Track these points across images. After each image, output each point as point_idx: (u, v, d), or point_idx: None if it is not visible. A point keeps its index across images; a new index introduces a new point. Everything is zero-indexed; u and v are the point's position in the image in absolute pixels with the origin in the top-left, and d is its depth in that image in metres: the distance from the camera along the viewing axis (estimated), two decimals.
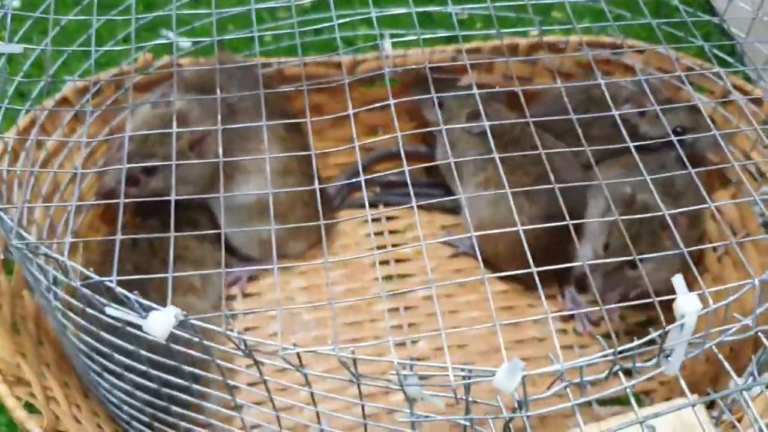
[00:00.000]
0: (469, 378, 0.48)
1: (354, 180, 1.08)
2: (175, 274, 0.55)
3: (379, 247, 1.07)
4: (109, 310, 0.50)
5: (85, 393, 0.80)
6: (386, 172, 0.93)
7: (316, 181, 0.73)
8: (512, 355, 0.95)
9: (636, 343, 0.51)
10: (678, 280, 0.51)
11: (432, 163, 1.01)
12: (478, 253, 0.74)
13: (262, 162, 0.94)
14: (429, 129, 1.03)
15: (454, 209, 1.09)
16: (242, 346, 0.51)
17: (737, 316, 0.55)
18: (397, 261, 1.06)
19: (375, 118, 1.12)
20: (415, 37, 1.00)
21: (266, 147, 0.78)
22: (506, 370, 0.47)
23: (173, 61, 0.94)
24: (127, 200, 0.66)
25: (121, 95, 0.94)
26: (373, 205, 1.11)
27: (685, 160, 0.76)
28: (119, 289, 0.51)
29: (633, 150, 0.77)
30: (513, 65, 1.06)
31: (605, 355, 0.51)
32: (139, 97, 0.95)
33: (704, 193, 0.71)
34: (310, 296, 1.02)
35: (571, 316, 1.02)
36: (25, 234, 0.56)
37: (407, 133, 0.82)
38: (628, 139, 0.78)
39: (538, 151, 0.77)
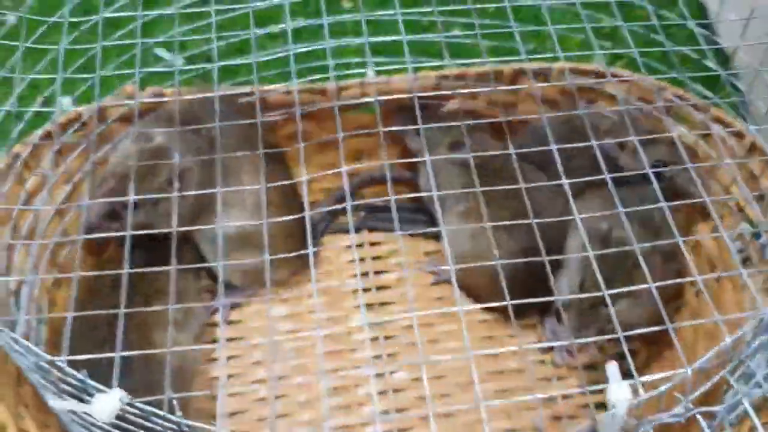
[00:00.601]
0: None
1: (338, 206, 1.10)
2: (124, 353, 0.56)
3: (362, 274, 1.08)
4: (51, 402, 0.51)
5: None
6: (372, 199, 0.94)
7: (307, 207, 0.74)
8: (490, 387, 0.98)
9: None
10: (611, 369, 0.52)
11: (414, 194, 1.02)
12: (455, 284, 0.76)
13: (243, 196, 0.96)
14: (411, 160, 1.04)
15: (438, 236, 1.10)
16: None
17: (678, 395, 0.56)
18: (379, 288, 1.07)
19: (359, 144, 1.12)
20: (398, 65, 1.02)
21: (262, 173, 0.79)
22: None
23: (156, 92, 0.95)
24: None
25: (104, 129, 0.95)
26: (358, 230, 1.12)
27: (660, 194, 0.77)
28: (69, 371, 0.52)
29: (610, 184, 0.78)
30: (497, 93, 1.06)
31: None
32: (122, 129, 0.96)
33: (674, 230, 0.72)
34: (293, 323, 1.03)
35: (551, 348, 1.02)
36: None
37: (393, 161, 0.84)
38: (605, 171, 0.79)
39: (517, 186, 0.78)
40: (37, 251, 0.89)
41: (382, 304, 1.05)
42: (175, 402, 0.53)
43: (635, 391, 0.53)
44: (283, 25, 0.93)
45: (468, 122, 0.96)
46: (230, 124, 0.88)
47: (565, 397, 0.99)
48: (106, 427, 0.62)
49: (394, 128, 0.98)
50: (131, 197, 0.83)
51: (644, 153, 0.98)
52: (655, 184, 0.81)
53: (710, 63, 0.95)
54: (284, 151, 1.04)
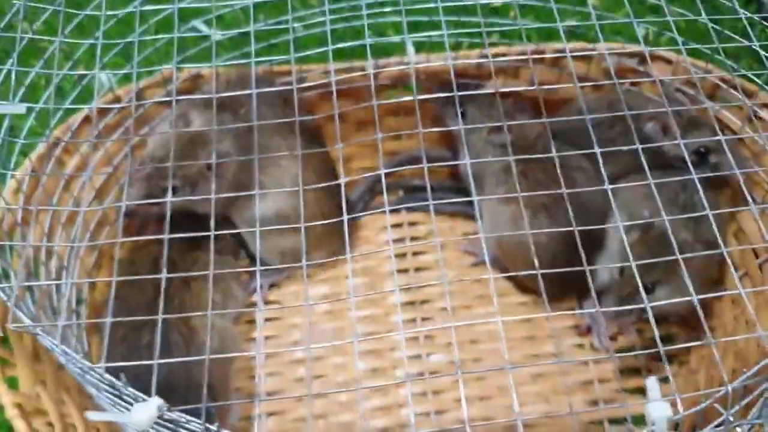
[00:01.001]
0: None
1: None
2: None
3: (400, 255, 1.08)
4: (89, 415, 0.52)
5: None
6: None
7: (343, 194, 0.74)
8: (525, 371, 0.98)
9: None
10: (651, 384, 0.51)
11: (446, 164, 1.01)
12: (488, 262, 0.75)
13: (281, 177, 0.96)
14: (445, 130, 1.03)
15: (473, 215, 1.09)
16: None
17: (718, 407, 0.55)
18: (417, 270, 1.07)
19: (398, 123, 1.11)
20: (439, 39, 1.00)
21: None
22: None
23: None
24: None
25: (143, 112, 0.96)
26: (397, 210, 1.11)
27: (697, 181, 0.75)
28: (108, 379, 0.53)
29: (647, 171, 0.76)
30: (538, 72, 1.04)
31: None
32: (160, 112, 0.96)
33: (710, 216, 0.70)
34: (331, 304, 1.04)
35: (589, 331, 1.02)
36: (20, 315, 0.58)
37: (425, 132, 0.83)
38: (643, 159, 0.77)
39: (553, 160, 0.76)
40: (78, 234, 0.90)
41: (420, 287, 1.05)
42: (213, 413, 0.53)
43: (674, 407, 0.52)
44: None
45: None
46: (266, 92, 0.86)
47: (601, 381, 0.99)
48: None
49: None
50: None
51: (687, 138, 0.96)
52: (692, 170, 0.77)
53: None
54: (322, 133, 1.03)
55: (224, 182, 0.91)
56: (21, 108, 0.68)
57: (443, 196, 1.11)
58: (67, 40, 0.76)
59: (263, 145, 0.93)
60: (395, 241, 1.09)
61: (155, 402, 0.52)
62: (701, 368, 0.97)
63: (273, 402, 0.96)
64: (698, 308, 0.63)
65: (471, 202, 1.07)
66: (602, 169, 0.76)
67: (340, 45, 0.99)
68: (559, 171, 0.76)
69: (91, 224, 0.93)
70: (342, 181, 0.78)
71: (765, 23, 0.94)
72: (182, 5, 0.86)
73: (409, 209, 1.11)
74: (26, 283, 0.69)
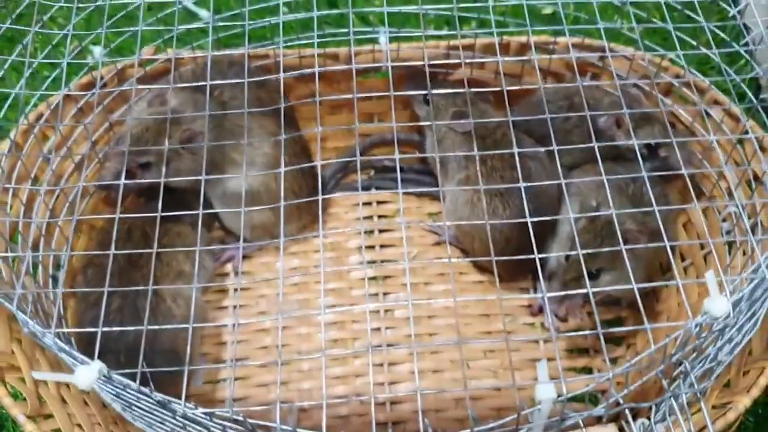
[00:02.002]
0: None
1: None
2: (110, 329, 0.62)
3: (368, 232, 1.13)
4: (35, 374, 0.58)
5: None
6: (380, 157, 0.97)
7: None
8: (479, 346, 1.03)
9: (500, 422, 0.56)
10: (541, 369, 0.56)
11: (418, 155, 1.06)
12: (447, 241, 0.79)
13: (253, 155, 1.02)
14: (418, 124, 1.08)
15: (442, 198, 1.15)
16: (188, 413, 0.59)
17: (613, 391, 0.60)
18: (382, 246, 1.12)
19: (371, 107, 1.16)
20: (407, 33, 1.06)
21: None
22: None
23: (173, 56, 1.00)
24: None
25: (122, 91, 1.01)
26: (366, 188, 1.17)
27: (643, 170, 0.79)
28: (59, 344, 0.59)
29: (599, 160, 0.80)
30: (503, 63, 1.08)
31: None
32: (139, 92, 1.02)
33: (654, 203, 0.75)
34: (300, 277, 1.09)
35: (541, 311, 1.07)
36: None
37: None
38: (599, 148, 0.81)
39: (511, 152, 0.80)
40: (56, 203, 0.96)
41: (385, 260, 1.11)
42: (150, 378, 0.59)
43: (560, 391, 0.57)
44: None
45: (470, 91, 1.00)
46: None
47: (551, 359, 1.04)
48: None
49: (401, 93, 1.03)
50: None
51: (639, 132, 1.01)
52: (640, 162, 0.82)
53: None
54: (294, 112, 1.08)
55: (198, 159, 0.97)
56: None
57: (412, 177, 1.16)
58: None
59: (237, 125, 0.99)
60: (364, 218, 1.15)
61: (96, 365, 0.58)
62: (646, 350, 1.02)
63: (239, 368, 1.03)
64: (637, 295, 0.67)
65: (437, 184, 1.13)
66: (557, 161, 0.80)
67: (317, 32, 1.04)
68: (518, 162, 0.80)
69: (70, 196, 0.99)
70: (318, 162, 0.84)
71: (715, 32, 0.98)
72: None
73: (379, 188, 1.16)
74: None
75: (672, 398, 0.65)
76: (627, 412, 0.62)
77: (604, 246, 0.94)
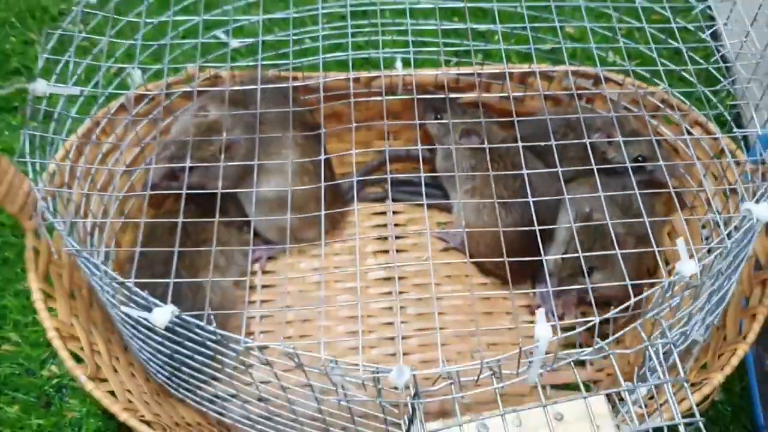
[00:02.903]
0: (377, 373, 0.66)
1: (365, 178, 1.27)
2: (180, 280, 0.74)
3: (383, 238, 1.25)
4: (124, 309, 0.69)
5: (124, 348, 1.00)
6: (398, 174, 1.07)
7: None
8: (483, 339, 1.14)
9: (504, 356, 0.67)
10: (540, 314, 0.67)
11: (433, 174, 1.18)
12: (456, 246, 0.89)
13: (282, 164, 1.13)
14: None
15: (450, 208, 1.26)
16: (215, 336, 0.70)
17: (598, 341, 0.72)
18: (397, 251, 1.24)
19: (387, 126, 1.29)
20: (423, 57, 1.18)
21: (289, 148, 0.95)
22: (397, 370, 0.64)
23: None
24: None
25: (169, 103, 1.13)
26: (382, 199, 1.29)
27: (634, 183, 0.90)
28: (135, 289, 0.70)
29: (596, 173, 0.91)
30: (507, 88, 1.21)
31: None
32: (183, 105, 1.14)
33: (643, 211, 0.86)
34: (320, 276, 1.21)
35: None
36: (73, 243, 0.76)
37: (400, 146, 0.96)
38: (593, 162, 0.92)
39: (518, 168, 0.92)
40: (108, 202, 1.07)
41: (398, 264, 1.22)
42: (213, 318, 0.70)
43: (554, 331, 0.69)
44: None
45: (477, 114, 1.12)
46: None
47: (547, 352, 1.14)
48: (158, 338, 0.81)
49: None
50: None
51: (628, 148, 1.13)
52: (632, 175, 0.93)
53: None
54: (319, 127, 1.20)
55: (233, 166, 1.08)
56: (75, 90, 0.86)
57: (422, 190, 1.28)
58: (113, 39, 0.94)
59: (269, 136, 1.11)
60: (379, 226, 1.27)
61: (170, 307, 0.69)
62: (633, 345, 1.12)
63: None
64: (630, 290, 0.79)
65: (446, 195, 1.25)
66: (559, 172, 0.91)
67: (338, 55, 1.17)
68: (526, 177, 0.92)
69: (120, 197, 1.10)
70: (354, 180, 0.95)
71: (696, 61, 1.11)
72: (206, 17, 1.03)
73: (394, 200, 1.28)
74: (74, 219, 0.87)
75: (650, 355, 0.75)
76: (612, 358, 0.72)
77: (596, 246, 1.06)
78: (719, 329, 1.00)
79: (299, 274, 1.21)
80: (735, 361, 0.92)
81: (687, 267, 0.71)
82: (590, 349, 0.72)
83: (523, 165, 0.92)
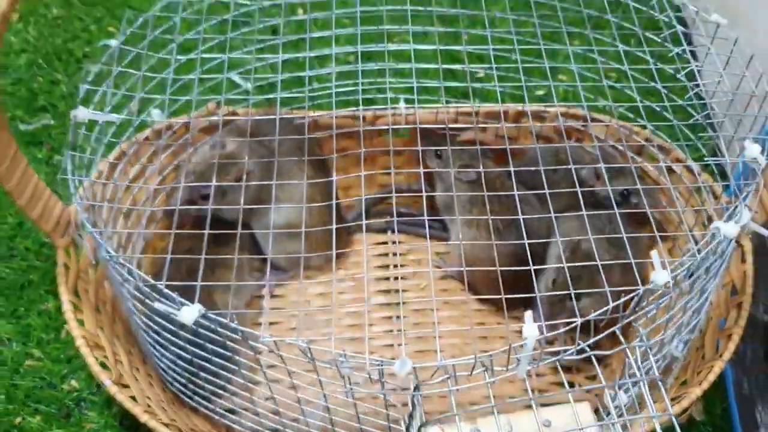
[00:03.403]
0: (381, 365, 0.74)
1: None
2: (205, 283, 0.82)
3: (385, 266, 1.33)
4: (156, 304, 0.77)
5: (143, 360, 1.08)
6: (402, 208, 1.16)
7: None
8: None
9: (496, 351, 0.75)
10: (528, 316, 0.75)
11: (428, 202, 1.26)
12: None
13: (292, 194, 1.22)
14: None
15: (447, 239, 1.35)
16: (237, 335, 0.78)
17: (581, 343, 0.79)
18: (396, 278, 1.32)
19: (390, 161, 1.37)
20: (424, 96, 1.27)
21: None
22: (400, 362, 0.72)
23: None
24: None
25: (190, 137, 1.23)
26: (384, 230, 1.37)
27: (618, 216, 0.99)
28: (166, 291, 0.78)
29: (583, 206, 0.99)
30: (501, 127, 1.30)
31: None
32: (202, 138, 1.23)
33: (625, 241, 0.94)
34: (324, 301, 1.29)
35: None
36: (109, 250, 0.84)
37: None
38: (581, 196, 1.00)
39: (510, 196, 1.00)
40: (131, 224, 1.16)
41: (398, 290, 1.30)
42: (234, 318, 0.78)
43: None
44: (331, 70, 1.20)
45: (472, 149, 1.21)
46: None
47: (539, 374, 1.22)
48: (180, 342, 0.88)
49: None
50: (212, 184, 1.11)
51: (614, 183, 1.21)
52: (615, 208, 1.02)
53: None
54: (328, 161, 1.29)
55: (248, 194, 1.17)
56: (112, 117, 0.95)
57: (421, 222, 1.37)
58: (147, 74, 1.03)
59: (281, 168, 1.19)
60: (381, 255, 1.35)
61: (197, 306, 0.77)
62: (618, 368, 1.20)
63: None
64: (621, 312, 0.86)
65: (444, 228, 1.34)
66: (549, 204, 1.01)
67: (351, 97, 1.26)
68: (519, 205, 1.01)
69: (143, 219, 1.19)
70: (365, 221, 1.04)
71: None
72: (230, 55, 1.13)
73: (394, 231, 1.37)
74: (110, 230, 0.95)
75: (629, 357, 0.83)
76: (593, 358, 0.80)
77: (584, 274, 1.14)
78: (698, 349, 1.07)
79: (305, 299, 1.29)
80: (712, 377, 0.99)
81: (660, 276, 0.79)
82: (572, 348, 0.79)
83: (517, 201, 1.00)
